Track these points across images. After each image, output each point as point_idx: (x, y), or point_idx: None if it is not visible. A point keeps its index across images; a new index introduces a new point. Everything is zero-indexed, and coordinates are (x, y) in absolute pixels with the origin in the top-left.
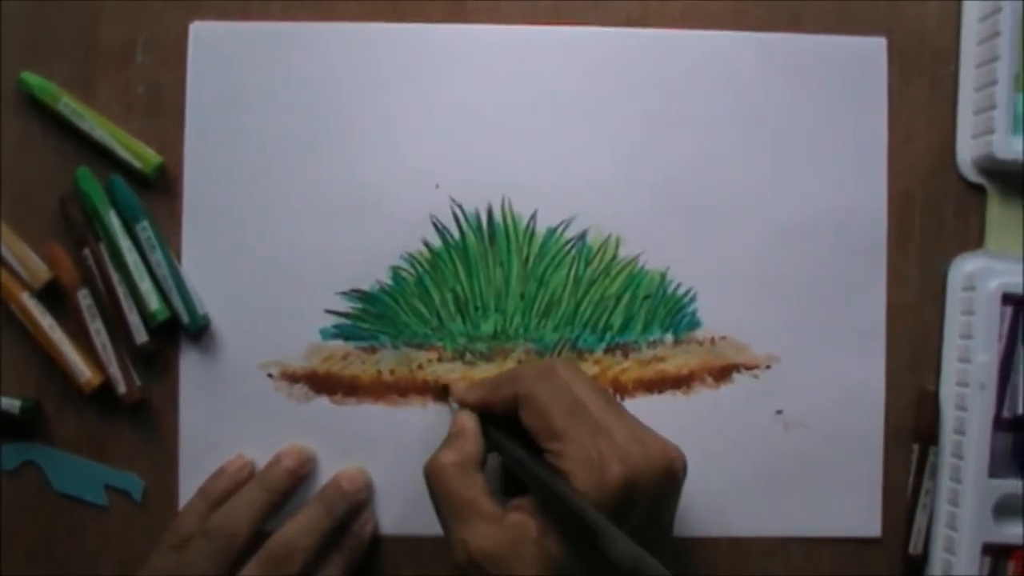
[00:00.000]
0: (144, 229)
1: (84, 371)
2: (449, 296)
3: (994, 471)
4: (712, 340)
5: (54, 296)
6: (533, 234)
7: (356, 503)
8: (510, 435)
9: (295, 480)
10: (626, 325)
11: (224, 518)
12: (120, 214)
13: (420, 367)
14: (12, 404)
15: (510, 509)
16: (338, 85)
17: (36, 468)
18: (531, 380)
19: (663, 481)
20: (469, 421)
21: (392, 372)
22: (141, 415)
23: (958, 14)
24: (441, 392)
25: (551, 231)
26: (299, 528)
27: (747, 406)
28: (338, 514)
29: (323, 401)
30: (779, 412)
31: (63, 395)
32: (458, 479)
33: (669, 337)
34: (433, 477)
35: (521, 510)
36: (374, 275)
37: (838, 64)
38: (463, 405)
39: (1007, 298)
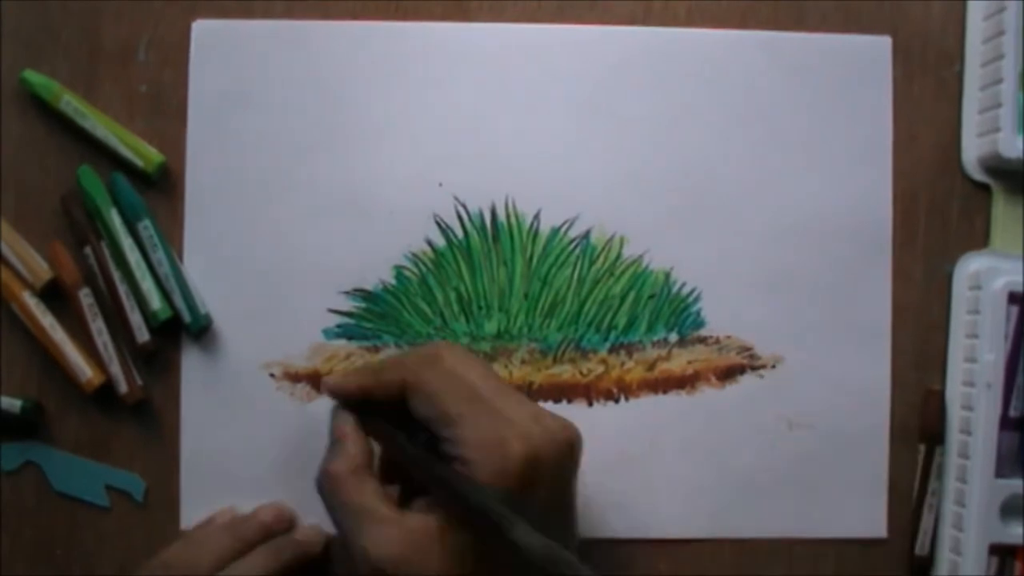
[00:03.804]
0: (146, 228)
1: (85, 370)
2: (452, 295)
3: (1000, 471)
4: (716, 340)
5: (55, 295)
6: (537, 233)
7: (306, 556)
8: (393, 423)
9: (267, 535)
10: (630, 325)
11: (184, 558)
12: (122, 213)
13: None
14: (13, 404)
15: (409, 510)
16: (340, 83)
17: (37, 468)
18: (418, 367)
19: (565, 457)
20: (347, 423)
21: None
22: (142, 415)
23: (963, 13)
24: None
25: (555, 230)
26: (243, 571)
27: (752, 406)
28: (285, 563)
29: (325, 401)
30: (783, 414)
31: (64, 395)
32: (350, 487)
33: (673, 337)
34: (326, 487)
35: (420, 509)
36: (377, 274)
37: (843, 63)
38: (338, 393)
39: (1013, 297)
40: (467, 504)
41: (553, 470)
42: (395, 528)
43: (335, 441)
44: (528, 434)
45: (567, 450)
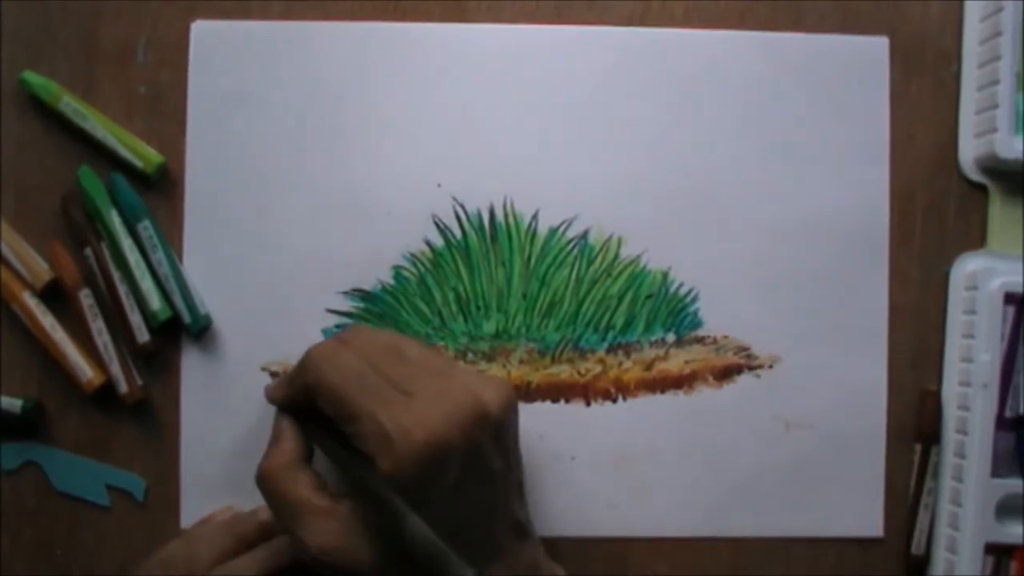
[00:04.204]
0: (146, 228)
1: (86, 370)
2: (451, 296)
3: (996, 471)
4: (714, 340)
5: (56, 296)
6: (535, 234)
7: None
8: (330, 425)
9: (266, 534)
10: (628, 325)
11: (183, 555)
12: (122, 213)
13: None
14: (13, 404)
15: (343, 498)
16: (339, 84)
17: (37, 468)
18: (317, 365)
19: (473, 429)
20: (284, 419)
21: None
22: (142, 415)
23: (960, 13)
24: None
25: (553, 231)
26: (241, 570)
27: (749, 406)
28: (283, 563)
29: None
30: (780, 414)
31: (64, 395)
32: (285, 480)
33: (671, 337)
34: (262, 484)
35: (353, 496)
36: (376, 274)
37: (840, 64)
38: (271, 402)
39: (1009, 297)
40: (367, 495)
41: (463, 446)
42: (329, 518)
43: (273, 437)
44: (427, 417)
45: (474, 422)
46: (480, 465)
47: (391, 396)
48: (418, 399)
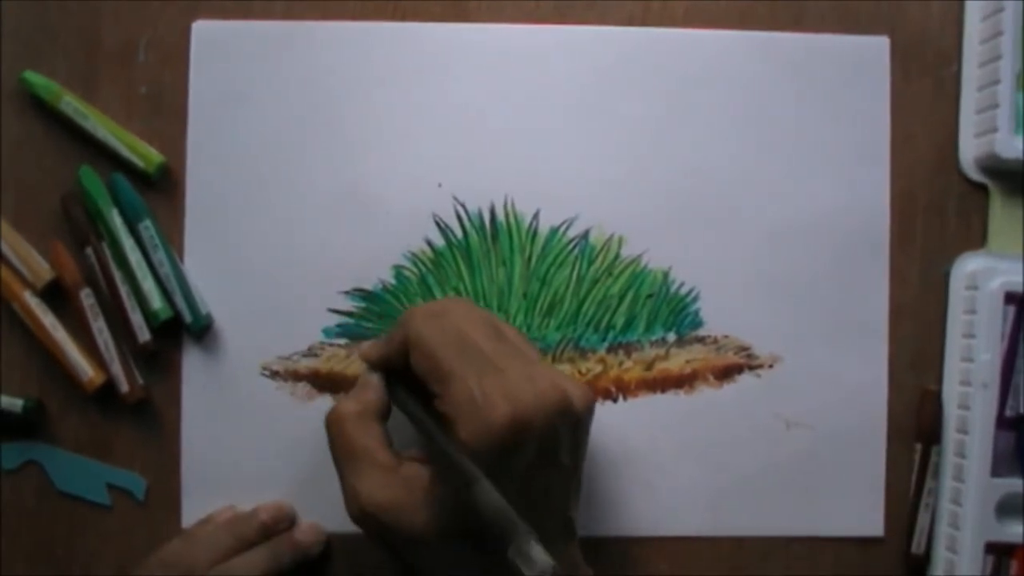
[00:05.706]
0: (147, 228)
1: (86, 370)
2: (451, 295)
3: (996, 470)
4: (715, 340)
5: (56, 295)
6: (536, 233)
7: (305, 556)
8: (413, 389)
9: (265, 534)
10: (629, 324)
11: (183, 555)
12: (123, 213)
13: None
14: (14, 403)
15: (405, 459)
16: (340, 84)
17: (38, 467)
18: (420, 322)
19: (555, 419)
20: (373, 375)
21: None
22: (143, 414)
23: (960, 13)
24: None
25: (554, 230)
26: (240, 570)
27: (749, 405)
28: (283, 563)
29: (326, 400)
30: (780, 414)
31: (65, 394)
32: (355, 427)
33: (672, 336)
34: (331, 425)
35: (416, 459)
36: (377, 274)
37: (841, 64)
38: (367, 363)
39: (1009, 297)
40: (441, 459)
41: (542, 432)
42: (390, 475)
43: (356, 387)
44: (516, 395)
45: (558, 413)
46: (553, 456)
47: (485, 366)
48: (509, 376)
